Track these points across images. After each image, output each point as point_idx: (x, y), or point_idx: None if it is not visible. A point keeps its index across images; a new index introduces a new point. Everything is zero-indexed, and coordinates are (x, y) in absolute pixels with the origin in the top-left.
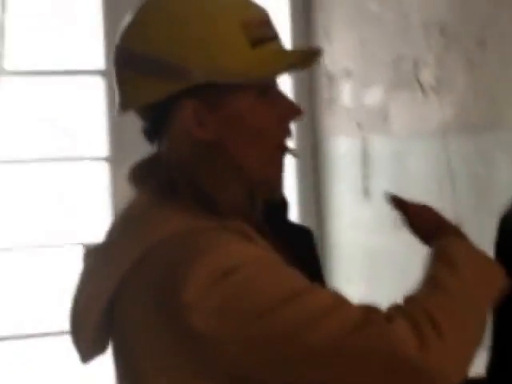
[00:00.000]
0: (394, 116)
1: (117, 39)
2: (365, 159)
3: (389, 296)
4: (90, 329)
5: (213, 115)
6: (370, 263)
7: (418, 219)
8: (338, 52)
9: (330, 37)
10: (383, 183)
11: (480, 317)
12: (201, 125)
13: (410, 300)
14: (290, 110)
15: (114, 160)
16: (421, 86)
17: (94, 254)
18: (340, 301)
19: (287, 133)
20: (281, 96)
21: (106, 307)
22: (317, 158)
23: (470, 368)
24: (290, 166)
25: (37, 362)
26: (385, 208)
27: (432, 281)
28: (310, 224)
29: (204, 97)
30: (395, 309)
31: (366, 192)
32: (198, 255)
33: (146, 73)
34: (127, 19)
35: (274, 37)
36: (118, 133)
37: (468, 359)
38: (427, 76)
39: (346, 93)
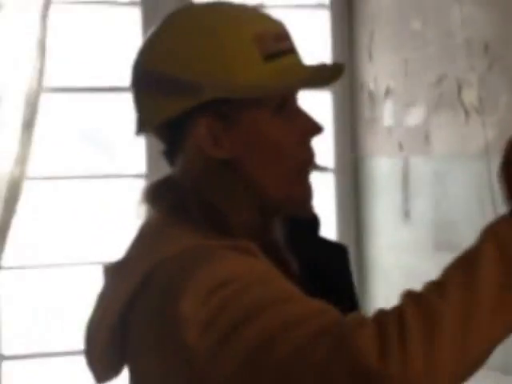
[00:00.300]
0: (435, 136)
1: (132, 60)
2: (405, 180)
3: None
4: (103, 347)
5: (227, 132)
6: (408, 285)
7: None
8: (381, 71)
9: (372, 55)
10: (424, 204)
11: (489, 337)
12: (215, 143)
13: (409, 296)
14: (310, 127)
15: (151, 177)
16: (463, 106)
17: (110, 272)
18: (314, 311)
19: (308, 150)
20: (299, 112)
21: (117, 325)
22: (357, 177)
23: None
24: (329, 185)
25: (61, 382)
26: (425, 229)
27: (466, 267)
28: (348, 243)
29: (218, 113)
30: (378, 312)
31: (406, 213)
32: (194, 269)
33: (159, 91)
34: (143, 40)
35: (290, 50)
36: (156, 150)
37: (451, 376)
38: (470, 96)
39: (387, 112)
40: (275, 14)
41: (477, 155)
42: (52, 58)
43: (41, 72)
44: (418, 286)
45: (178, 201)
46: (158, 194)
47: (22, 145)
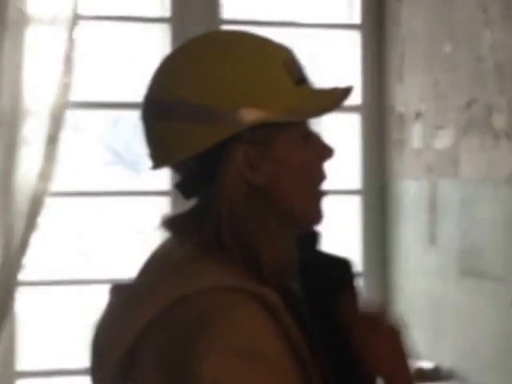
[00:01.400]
0: (464, 160)
1: (147, 90)
2: (432, 204)
3: (452, 344)
4: (110, 371)
5: (262, 158)
6: (433, 310)
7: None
8: (410, 93)
9: (402, 77)
10: (450, 229)
11: None
12: (253, 169)
13: None
14: (326, 151)
15: (175, 194)
16: (492, 130)
17: (121, 292)
18: None
19: (324, 174)
20: (317, 137)
21: (127, 352)
22: (384, 200)
23: None
24: (356, 208)
25: None
26: (451, 255)
27: None
28: (374, 267)
29: (253, 140)
30: None
31: (433, 238)
32: (217, 321)
33: (191, 121)
34: (158, 68)
35: (307, 76)
36: None
37: None
38: (499, 120)
39: (416, 135)
40: (306, 32)
41: (505, 180)
42: (80, 74)
43: (67, 87)
44: (442, 310)
45: (211, 233)
46: (183, 225)
47: (46, 160)
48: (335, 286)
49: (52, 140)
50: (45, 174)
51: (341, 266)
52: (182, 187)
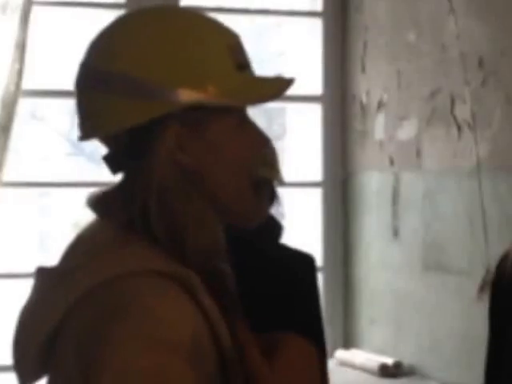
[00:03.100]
0: (427, 152)
1: (84, 57)
2: (395, 197)
3: (414, 340)
4: (32, 359)
5: (195, 140)
6: (396, 305)
7: None
8: (373, 83)
9: (365, 67)
10: (414, 222)
11: None
12: (183, 150)
13: None
14: (262, 140)
15: None
16: (456, 121)
17: (44, 276)
18: None
19: (261, 162)
20: (253, 124)
21: (47, 339)
22: (346, 192)
23: None
24: (316, 200)
25: None
26: (414, 249)
27: None
28: (335, 261)
29: (186, 121)
30: None
31: (396, 231)
32: (125, 314)
33: (127, 95)
34: (98, 36)
35: (249, 63)
36: None
37: None
38: (463, 111)
39: (379, 125)
40: (267, 19)
41: (468, 172)
42: (35, 61)
43: (19, 74)
44: (405, 305)
45: (137, 213)
46: (106, 204)
47: None
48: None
49: (3, 129)
50: None
51: (304, 261)
52: (110, 161)
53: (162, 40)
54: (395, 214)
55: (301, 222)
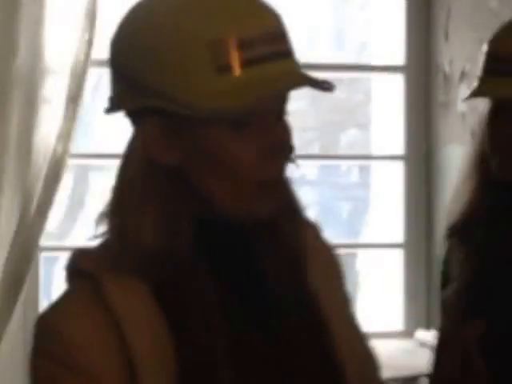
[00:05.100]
0: None
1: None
2: None
3: None
4: None
5: (179, 140)
6: None
7: None
8: (456, 52)
9: (448, 36)
10: None
11: None
12: (167, 146)
13: None
14: (274, 144)
15: None
16: None
17: None
18: None
19: (272, 167)
20: (266, 127)
21: None
22: (429, 166)
23: None
24: (399, 174)
25: None
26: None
27: None
28: (417, 237)
29: (172, 117)
30: None
31: None
32: (44, 328)
33: (122, 82)
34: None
35: (269, 56)
36: None
37: None
38: None
39: (461, 96)
40: None
41: None
42: (105, 31)
43: (89, 44)
44: None
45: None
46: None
47: (67, 120)
48: None
49: (73, 99)
50: (64, 135)
51: None
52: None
53: (148, 34)
54: None
55: (383, 196)
